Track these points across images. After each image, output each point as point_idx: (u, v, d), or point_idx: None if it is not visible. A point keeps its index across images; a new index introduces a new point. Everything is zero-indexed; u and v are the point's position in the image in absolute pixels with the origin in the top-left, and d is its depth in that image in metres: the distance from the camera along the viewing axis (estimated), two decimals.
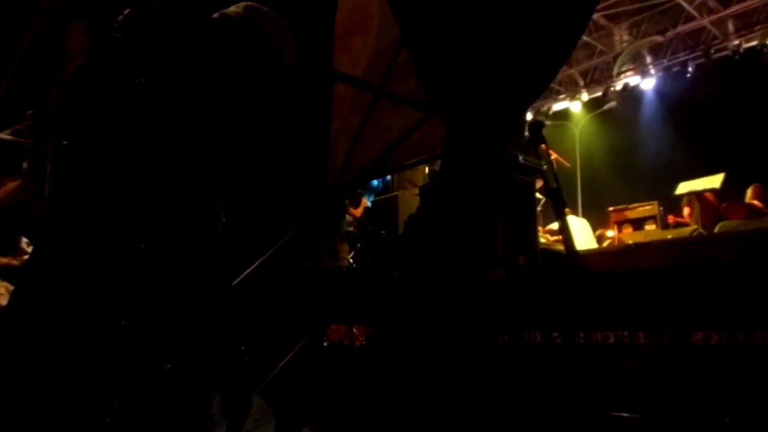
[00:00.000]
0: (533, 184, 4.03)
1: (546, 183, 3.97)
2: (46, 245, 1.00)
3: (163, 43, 1.09)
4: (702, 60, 9.55)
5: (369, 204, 7.00)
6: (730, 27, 9.40)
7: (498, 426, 2.54)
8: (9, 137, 3.49)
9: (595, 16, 9.19)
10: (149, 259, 0.91)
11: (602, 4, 9.05)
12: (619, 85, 10.55)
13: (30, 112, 2.16)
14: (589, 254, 4.20)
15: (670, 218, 6.76)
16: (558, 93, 11.46)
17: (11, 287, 3.40)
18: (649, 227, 6.61)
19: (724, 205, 5.93)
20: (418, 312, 3.26)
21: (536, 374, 2.68)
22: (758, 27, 9.06)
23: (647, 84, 10.32)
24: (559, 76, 10.70)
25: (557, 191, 3.86)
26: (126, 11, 2.03)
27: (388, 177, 6.87)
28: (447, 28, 3.91)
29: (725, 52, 9.44)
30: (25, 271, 1.05)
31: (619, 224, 6.92)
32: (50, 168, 1.62)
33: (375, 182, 6.84)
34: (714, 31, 9.49)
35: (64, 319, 0.94)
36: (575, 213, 8.04)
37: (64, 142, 1.00)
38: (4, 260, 3.52)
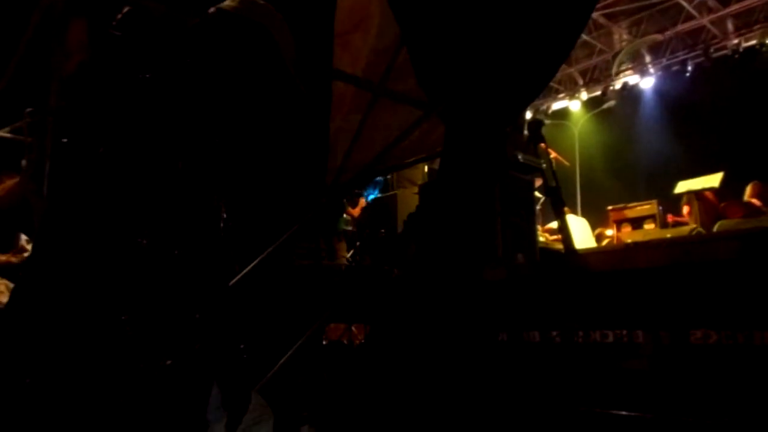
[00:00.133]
0: (532, 182, 4.03)
1: (545, 182, 3.98)
2: (47, 242, 1.00)
3: (162, 40, 1.09)
4: (701, 59, 9.55)
5: (370, 200, 6.98)
6: (730, 26, 9.40)
7: (497, 425, 2.54)
8: (8, 135, 3.49)
9: (595, 15, 9.19)
10: (150, 255, 0.91)
11: (602, 3, 9.04)
12: (618, 84, 10.55)
13: (29, 109, 2.16)
14: (588, 253, 4.20)
15: (670, 217, 6.76)
16: (557, 92, 11.46)
17: (11, 285, 3.40)
18: (648, 226, 6.61)
19: (723, 204, 5.93)
20: (417, 311, 3.26)
21: (535, 373, 2.68)
22: (757, 26, 9.06)
23: (646, 83, 10.32)
24: (558, 75, 10.69)
25: (556, 190, 3.86)
26: (125, 9, 2.03)
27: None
28: (446, 27, 3.91)
29: (724, 51, 9.44)
30: (26, 268, 1.05)
31: (618, 223, 6.93)
32: (49, 165, 1.62)
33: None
34: (713, 30, 9.49)
35: (65, 315, 0.94)
36: (574, 212, 8.04)
37: (64, 140, 1.00)
38: (3, 257, 3.52)
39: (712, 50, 9.39)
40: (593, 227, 6.99)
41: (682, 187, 6.36)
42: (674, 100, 10.07)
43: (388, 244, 5.25)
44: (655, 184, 8.66)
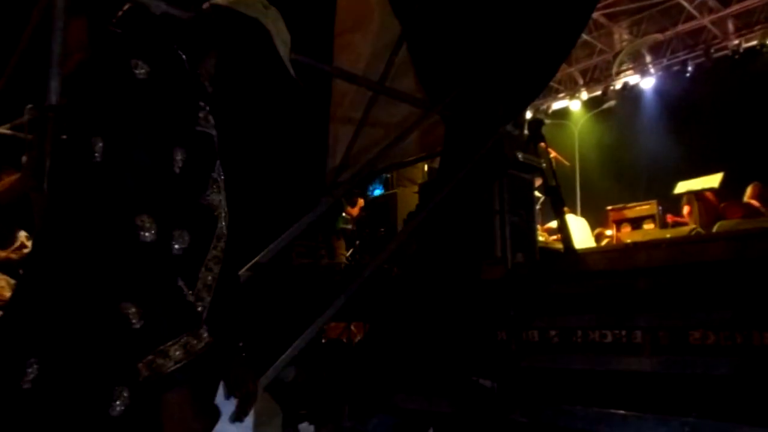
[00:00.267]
0: (532, 182, 4.03)
1: (545, 181, 3.98)
2: (48, 239, 1.00)
3: (158, 36, 1.09)
4: (702, 59, 9.54)
5: (372, 197, 6.97)
6: (730, 26, 9.39)
7: (497, 424, 2.54)
8: (8, 132, 3.49)
9: (595, 14, 9.17)
10: (152, 248, 0.91)
11: (602, 3, 9.03)
12: (618, 84, 10.54)
13: (29, 106, 2.16)
14: (588, 253, 4.21)
15: (669, 217, 6.76)
16: (557, 92, 11.45)
17: (12, 281, 3.40)
18: (648, 226, 6.61)
19: (722, 204, 5.93)
20: (416, 309, 3.27)
21: (535, 372, 2.68)
22: (758, 27, 9.06)
23: (647, 83, 10.32)
24: (558, 75, 10.68)
25: (556, 189, 3.87)
26: (125, 7, 2.03)
27: None
28: (448, 26, 3.91)
29: (725, 52, 9.43)
30: (28, 265, 1.04)
31: (618, 223, 6.93)
32: (50, 162, 1.62)
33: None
34: (714, 30, 9.49)
35: (69, 309, 0.94)
36: (574, 212, 8.04)
37: (63, 137, 1.01)
38: (3, 254, 3.52)
39: (712, 50, 9.38)
40: (593, 227, 6.99)
41: (682, 187, 6.36)
42: (674, 101, 10.06)
43: (387, 243, 5.25)
44: (655, 185, 8.66)
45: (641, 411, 2.16)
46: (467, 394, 2.68)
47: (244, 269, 2.88)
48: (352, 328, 5.93)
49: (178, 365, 0.88)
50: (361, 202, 7.18)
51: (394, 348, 3.23)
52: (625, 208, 7.04)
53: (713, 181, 6.08)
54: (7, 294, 3.32)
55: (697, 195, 6.05)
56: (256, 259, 3.01)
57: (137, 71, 0.97)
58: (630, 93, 10.50)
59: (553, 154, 5.64)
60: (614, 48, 10.55)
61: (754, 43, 9.10)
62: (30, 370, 0.90)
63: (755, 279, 2.23)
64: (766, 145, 8.01)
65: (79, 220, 0.92)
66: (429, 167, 6.16)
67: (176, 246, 1.01)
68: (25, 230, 3.64)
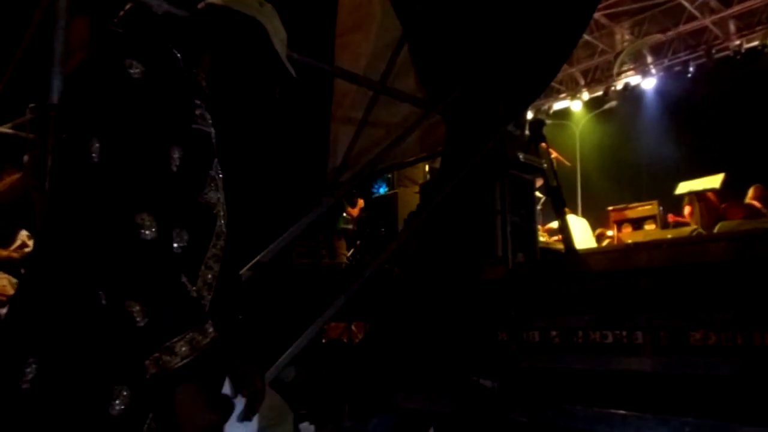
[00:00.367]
0: (533, 182, 4.03)
1: (546, 181, 3.98)
2: (50, 237, 1.00)
3: (154, 36, 1.09)
4: (703, 60, 9.54)
5: (375, 196, 6.97)
6: (732, 27, 9.39)
7: (497, 424, 2.54)
8: (10, 131, 3.50)
9: (596, 15, 9.17)
10: (153, 245, 0.92)
11: (603, 3, 9.03)
12: (619, 85, 10.53)
13: (31, 105, 2.17)
14: (588, 253, 4.20)
15: (670, 217, 6.76)
16: (559, 92, 11.45)
17: (13, 280, 3.41)
18: (649, 227, 6.61)
19: (723, 205, 5.93)
20: (417, 309, 3.27)
21: (535, 372, 2.68)
22: (760, 27, 9.05)
23: (648, 84, 10.31)
24: (559, 75, 10.68)
25: (557, 190, 3.87)
26: (127, 6, 2.04)
27: None
28: (449, 26, 3.91)
29: (726, 52, 9.43)
30: (30, 264, 1.05)
31: (619, 223, 6.93)
32: (51, 161, 1.62)
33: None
34: (715, 31, 9.48)
35: (70, 308, 0.94)
36: (575, 212, 8.04)
37: (64, 136, 1.01)
38: (5, 253, 3.53)
39: (714, 51, 9.38)
40: (594, 227, 6.98)
41: (683, 187, 6.36)
42: (676, 101, 10.06)
43: (388, 243, 5.25)
44: (656, 185, 8.66)
45: (642, 411, 2.16)
46: (467, 393, 2.68)
47: (244, 269, 2.88)
48: (353, 327, 5.94)
49: (184, 361, 0.88)
50: (361, 202, 7.18)
51: (394, 348, 3.24)
52: (626, 208, 7.04)
53: (714, 181, 6.07)
54: (10, 292, 3.33)
55: (698, 195, 6.04)
56: (256, 258, 3.01)
57: (132, 71, 0.97)
58: (631, 93, 10.49)
59: (554, 154, 5.64)
60: (615, 48, 10.55)
61: (756, 43, 9.09)
62: (29, 369, 0.90)
63: (756, 280, 2.23)
64: (767, 145, 8.00)
65: (79, 220, 0.92)
66: (430, 167, 6.17)
67: (176, 244, 1.01)
68: (27, 229, 3.64)
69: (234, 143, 1.22)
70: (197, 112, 1.09)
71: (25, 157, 2.28)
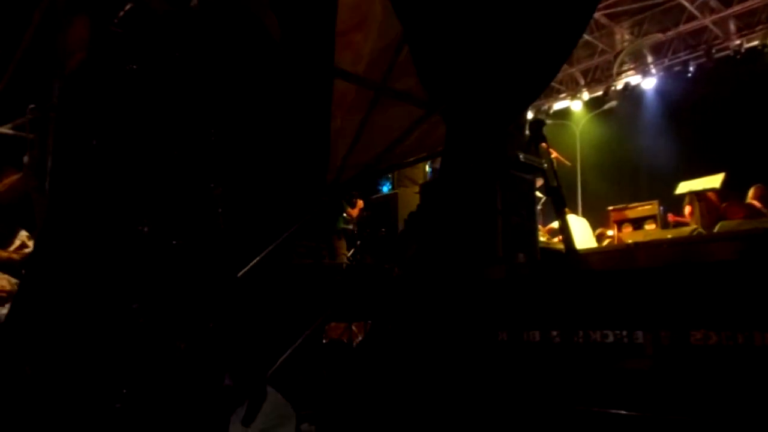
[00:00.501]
0: (533, 182, 4.03)
1: (546, 181, 3.98)
2: (51, 237, 1.00)
3: (153, 30, 1.09)
4: (703, 60, 9.54)
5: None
6: (732, 27, 9.39)
7: (497, 424, 2.54)
8: (10, 131, 3.50)
9: (596, 15, 9.18)
10: (153, 244, 0.92)
11: (603, 3, 9.04)
12: (620, 85, 10.54)
13: (31, 106, 2.16)
14: (589, 253, 4.20)
15: (670, 216, 6.76)
16: (559, 92, 11.45)
17: (13, 280, 3.41)
18: (649, 227, 6.61)
19: (724, 205, 5.93)
20: (417, 310, 3.27)
21: (535, 372, 2.68)
22: (760, 27, 9.05)
23: (648, 83, 10.31)
24: (559, 75, 10.69)
25: (557, 190, 3.86)
26: (127, 6, 2.03)
27: None
28: (449, 26, 3.91)
29: (726, 52, 9.43)
30: (31, 264, 1.05)
31: (619, 223, 6.93)
32: (51, 162, 1.62)
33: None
34: (715, 30, 9.48)
35: (73, 306, 0.94)
36: (575, 212, 8.04)
37: (65, 136, 1.01)
38: (5, 254, 3.53)
39: (714, 51, 9.38)
40: (594, 227, 6.98)
41: (684, 187, 6.36)
42: (676, 101, 10.06)
43: (388, 243, 5.26)
44: (656, 185, 8.66)
45: (642, 411, 2.16)
46: (468, 393, 2.68)
47: (245, 269, 2.88)
48: (353, 328, 5.93)
49: None
50: (360, 203, 7.18)
51: (395, 348, 3.23)
52: (626, 208, 7.04)
53: (715, 181, 6.07)
54: (8, 289, 3.34)
55: (698, 195, 6.04)
56: (257, 258, 3.01)
57: (131, 73, 0.97)
58: (631, 93, 10.50)
59: (554, 154, 5.64)
60: (615, 48, 10.55)
61: (756, 43, 9.10)
62: (29, 370, 0.90)
63: (757, 279, 2.22)
64: (767, 144, 8.00)
65: (79, 221, 0.92)
66: (431, 167, 6.16)
67: (174, 242, 1.01)
68: (27, 230, 3.64)
69: (235, 142, 1.21)
70: (197, 112, 1.08)
71: (25, 158, 2.28)
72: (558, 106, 11.54)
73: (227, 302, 1.18)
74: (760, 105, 8.49)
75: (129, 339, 0.91)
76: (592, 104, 10.93)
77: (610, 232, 6.98)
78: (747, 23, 9.24)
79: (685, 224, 6.32)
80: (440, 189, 3.56)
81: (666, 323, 2.42)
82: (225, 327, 1.12)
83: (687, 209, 6.41)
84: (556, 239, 5.82)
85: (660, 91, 10.36)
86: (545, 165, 3.92)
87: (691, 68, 9.67)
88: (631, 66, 10.55)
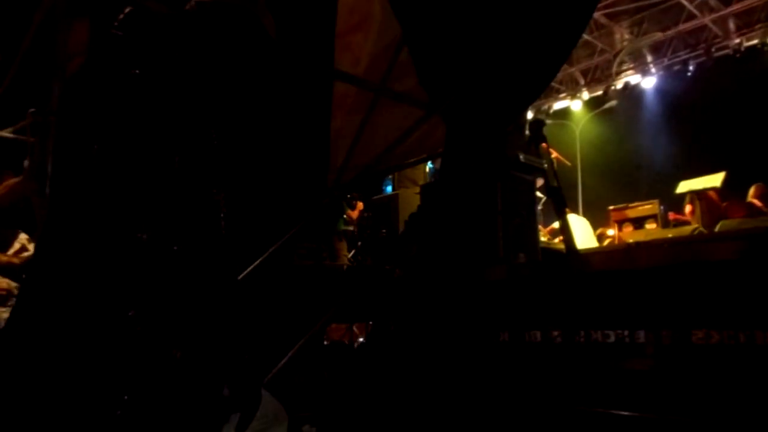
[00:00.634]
0: (534, 182, 4.03)
1: (547, 182, 3.97)
2: (50, 242, 1.00)
3: (152, 33, 1.09)
4: (703, 59, 9.54)
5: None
6: (731, 25, 9.39)
7: (498, 425, 2.54)
8: (11, 135, 3.50)
9: (596, 14, 9.18)
10: (152, 251, 0.92)
11: (603, 3, 9.04)
12: (619, 84, 10.54)
13: (32, 110, 2.17)
14: (590, 253, 4.20)
15: (671, 215, 6.76)
16: (558, 92, 11.45)
17: (13, 283, 3.41)
18: (650, 226, 6.60)
19: (724, 204, 5.93)
20: (419, 311, 3.27)
21: (536, 373, 2.68)
22: (759, 25, 9.06)
23: (648, 83, 10.31)
24: (559, 75, 10.69)
25: (558, 190, 3.86)
26: (127, 9, 2.03)
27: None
28: (448, 27, 3.91)
29: (726, 51, 9.43)
30: (30, 269, 1.05)
31: (620, 223, 6.92)
32: (51, 166, 1.62)
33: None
34: (715, 29, 9.48)
35: (72, 313, 0.94)
36: (575, 212, 8.04)
37: (65, 140, 1.01)
38: (5, 258, 3.53)
39: (713, 50, 9.38)
40: (594, 227, 6.98)
41: (684, 186, 6.35)
42: (676, 100, 10.06)
43: (389, 244, 5.25)
44: (657, 184, 8.66)
45: (644, 411, 2.16)
46: (470, 394, 2.68)
47: (246, 272, 2.88)
48: (355, 329, 5.93)
49: None
50: (360, 205, 7.18)
51: (396, 349, 3.23)
52: (626, 207, 7.04)
53: (715, 180, 6.07)
54: (5, 286, 3.34)
55: (699, 194, 6.04)
56: (257, 261, 3.01)
57: (132, 77, 0.97)
58: (631, 93, 10.50)
59: (554, 154, 5.64)
60: (615, 48, 10.55)
61: (755, 41, 9.10)
62: (43, 368, 0.90)
63: (758, 278, 2.22)
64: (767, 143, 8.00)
65: (78, 228, 0.92)
66: (431, 168, 6.16)
67: (175, 248, 1.01)
68: (27, 232, 3.64)
69: (236, 144, 1.21)
70: (199, 116, 1.08)
71: (26, 162, 2.28)
72: (558, 105, 11.54)
73: (226, 308, 1.18)
74: (760, 103, 8.49)
75: (125, 346, 0.91)
76: (592, 104, 10.93)
77: (610, 232, 6.98)
78: (746, 22, 9.25)
79: (686, 223, 6.32)
80: (441, 190, 3.56)
81: (667, 323, 2.42)
82: (223, 334, 1.11)
83: (688, 208, 6.40)
84: (557, 240, 5.81)
85: (660, 91, 10.36)
86: (545, 165, 3.92)
87: (690, 67, 9.67)
88: (631, 65, 10.55)
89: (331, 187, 4.67)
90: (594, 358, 2.58)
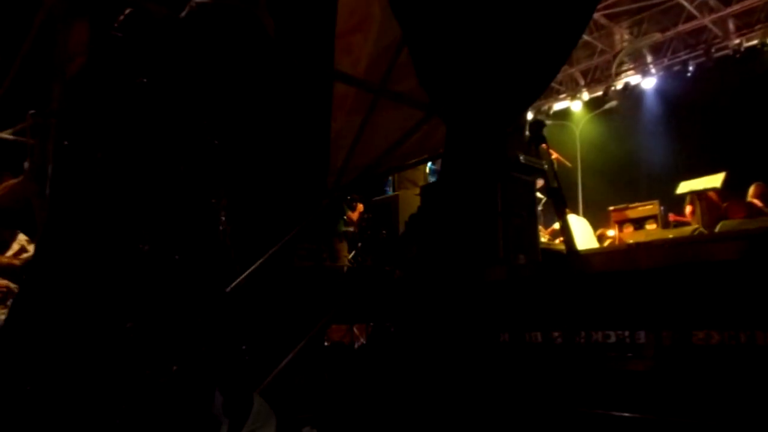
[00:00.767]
0: (534, 183, 4.03)
1: (547, 182, 3.97)
2: (49, 246, 1.00)
3: (160, 41, 1.08)
4: (703, 59, 9.55)
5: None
6: (731, 26, 9.39)
7: (498, 426, 2.54)
8: (11, 137, 3.50)
9: (596, 15, 9.18)
10: (152, 261, 0.91)
11: (603, 4, 9.04)
12: (619, 85, 10.54)
13: (32, 111, 2.16)
14: (590, 254, 4.20)
15: (671, 216, 6.76)
16: (558, 92, 11.45)
17: (12, 285, 3.41)
18: (650, 227, 6.60)
19: (725, 204, 5.93)
20: (419, 312, 3.27)
21: (537, 374, 2.68)
22: (759, 26, 9.06)
23: (648, 83, 10.31)
24: (559, 76, 10.69)
25: (558, 191, 3.86)
26: (127, 11, 2.03)
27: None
28: (448, 28, 3.91)
29: (726, 51, 9.44)
30: (29, 274, 1.04)
31: (620, 224, 6.92)
32: (52, 168, 1.62)
33: None
34: (715, 30, 9.49)
35: (68, 322, 0.94)
36: (576, 212, 8.04)
37: (66, 143, 1.00)
38: (5, 260, 3.53)
39: (713, 50, 9.39)
40: (594, 228, 6.98)
41: (684, 187, 6.35)
42: (676, 101, 10.07)
43: (389, 245, 5.25)
44: (657, 185, 8.66)
45: (644, 412, 2.15)
46: (471, 395, 2.68)
47: (246, 273, 2.88)
48: (355, 330, 5.93)
49: None
50: (360, 207, 7.18)
51: (396, 350, 3.23)
52: (627, 208, 7.04)
53: (715, 180, 6.07)
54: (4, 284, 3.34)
55: (699, 195, 6.04)
56: (258, 262, 3.01)
57: (133, 81, 0.97)
58: (631, 93, 10.50)
59: (554, 155, 5.64)
60: (615, 48, 10.56)
61: (755, 42, 9.10)
62: (36, 377, 0.90)
63: (759, 279, 2.22)
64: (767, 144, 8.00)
65: (78, 236, 0.92)
66: (431, 169, 6.16)
67: (176, 256, 1.01)
68: (26, 234, 3.64)
69: (237, 150, 1.21)
70: (201, 118, 1.08)
71: (26, 164, 2.28)
72: (558, 106, 11.55)
73: (219, 318, 1.17)
74: (760, 104, 8.49)
75: (121, 357, 0.90)
76: (592, 104, 10.93)
77: (611, 233, 6.98)
78: (746, 22, 9.25)
79: (686, 224, 6.32)
80: (441, 191, 3.56)
81: (668, 323, 2.42)
82: (220, 344, 1.11)
83: (688, 209, 6.40)
84: (557, 240, 5.81)
85: (660, 91, 10.37)
86: (545, 166, 3.91)
87: (690, 68, 9.67)
88: (631, 66, 10.56)
89: (331, 188, 4.67)
90: (594, 359, 2.57)
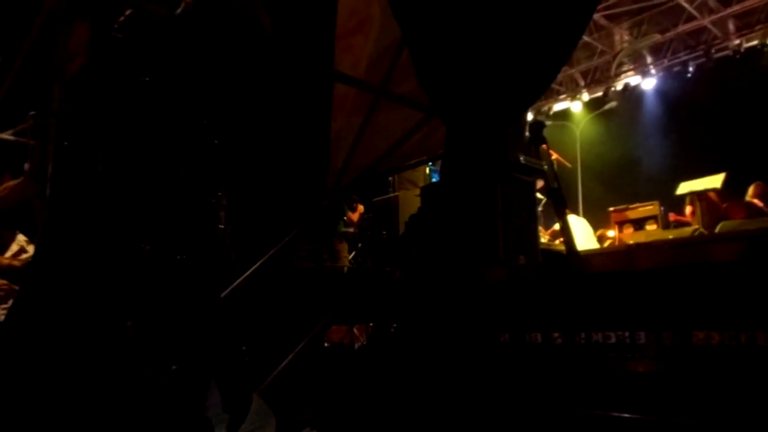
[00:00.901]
0: (534, 184, 4.03)
1: (547, 183, 3.98)
2: (50, 247, 1.00)
3: (154, 38, 1.09)
4: (703, 60, 9.55)
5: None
6: (731, 26, 9.40)
7: (499, 426, 2.54)
8: (11, 138, 3.50)
9: (596, 16, 9.19)
10: (153, 260, 0.91)
11: (603, 4, 9.05)
12: (619, 85, 10.55)
13: (32, 112, 2.16)
14: (590, 254, 4.20)
15: (672, 216, 6.76)
16: (558, 93, 11.46)
17: (13, 286, 3.41)
18: (650, 227, 6.60)
19: (725, 204, 5.92)
20: (419, 312, 3.26)
21: (537, 374, 2.68)
22: (759, 26, 9.06)
23: (648, 84, 10.32)
24: (559, 77, 10.69)
25: (558, 191, 3.86)
26: (127, 12, 2.03)
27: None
28: (448, 29, 3.91)
29: (726, 52, 9.44)
30: (30, 274, 1.04)
31: (620, 224, 6.92)
32: (52, 169, 1.62)
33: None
34: (714, 30, 9.49)
35: (69, 321, 0.94)
36: (576, 213, 8.04)
37: (66, 143, 1.00)
38: (6, 261, 3.53)
39: (713, 51, 9.39)
40: (595, 228, 6.98)
41: (684, 188, 6.35)
42: (676, 101, 10.07)
43: (389, 246, 5.25)
44: (657, 185, 8.65)
45: (645, 413, 2.15)
46: (471, 395, 2.68)
47: (246, 274, 2.88)
48: (355, 331, 5.93)
49: None
50: (361, 207, 7.18)
51: (397, 351, 3.23)
52: (627, 209, 7.03)
53: (716, 181, 6.07)
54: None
55: (699, 195, 6.04)
56: (259, 262, 3.01)
57: (134, 81, 0.97)
58: (631, 94, 10.51)
59: (554, 155, 5.64)
60: (615, 49, 10.56)
61: (755, 42, 9.11)
62: (37, 375, 0.90)
63: (759, 279, 2.22)
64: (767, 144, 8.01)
65: (81, 227, 0.92)
66: (431, 170, 6.16)
67: (178, 257, 1.01)
68: (26, 234, 3.64)
69: (237, 151, 1.21)
70: (202, 118, 1.08)
71: (26, 165, 2.28)
72: (558, 107, 11.55)
73: (222, 315, 1.18)
74: (760, 104, 8.49)
75: (121, 356, 0.90)
76: (592, 105, 10.94)
77: (611, 233, 6.98)
78: (746, 23, 9.25)
79: (687, 224, 6.32)
80: (441, 191, 3.56)
81: (668, 324, 2.42)
82: (219, 344, 1.11)
83: (688, 209, 6.40)
84: (557, 241, 5.81)
85: (660, 92, 10.37)
86: (546, 167, 3.92)
87: (690, 68, 9.68)
88: (631, 67, 10.56)
89: (331, 189, 4.67)
90: (595, 360, 2.57)
